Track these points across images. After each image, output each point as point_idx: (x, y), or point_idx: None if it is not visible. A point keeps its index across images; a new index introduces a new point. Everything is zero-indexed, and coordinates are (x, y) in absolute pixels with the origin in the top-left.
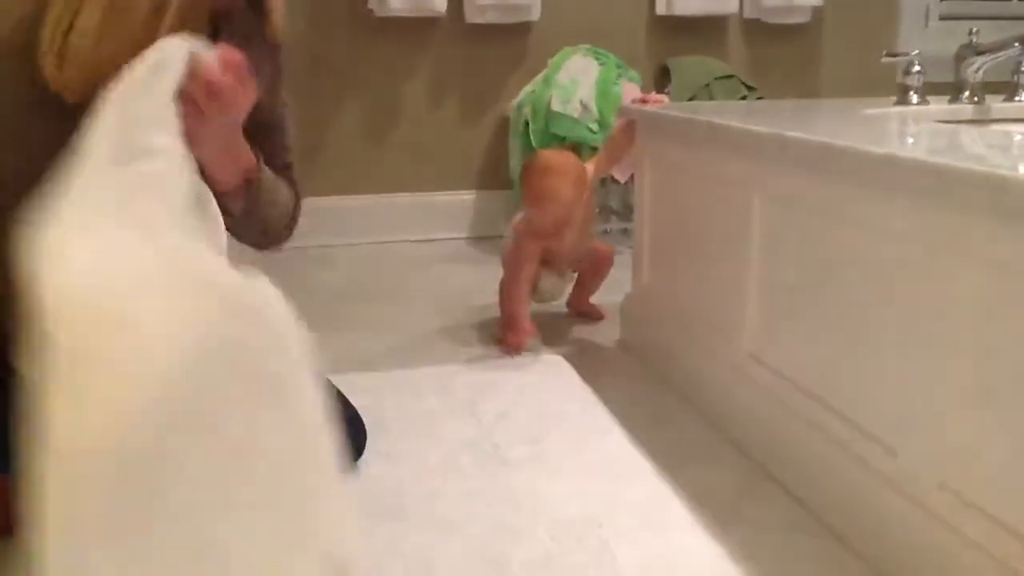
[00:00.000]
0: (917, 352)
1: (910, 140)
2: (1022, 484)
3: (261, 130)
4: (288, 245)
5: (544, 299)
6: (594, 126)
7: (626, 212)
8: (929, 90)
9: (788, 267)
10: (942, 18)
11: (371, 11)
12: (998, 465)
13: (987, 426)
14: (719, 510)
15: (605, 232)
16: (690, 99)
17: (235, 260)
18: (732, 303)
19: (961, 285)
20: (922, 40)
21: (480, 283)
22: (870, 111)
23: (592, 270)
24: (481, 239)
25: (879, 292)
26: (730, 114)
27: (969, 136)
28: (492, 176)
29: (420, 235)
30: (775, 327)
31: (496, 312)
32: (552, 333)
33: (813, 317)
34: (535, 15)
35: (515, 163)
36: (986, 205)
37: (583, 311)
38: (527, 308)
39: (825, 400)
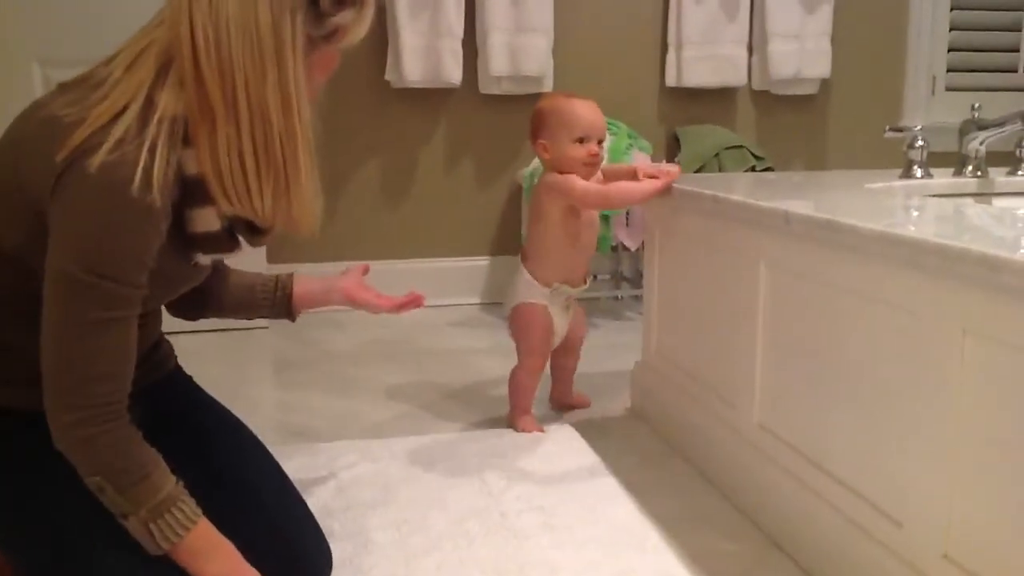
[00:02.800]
0: (921, 423)
1: (913, 214)
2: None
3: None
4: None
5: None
6: None
7: (637, 279)
8: (936, 160)
9: (794, 338)
10: (948, 89)
11: (388, 82)
12: (1001, 537)
13: (991, 499)
14: None
15: (617, 299)
16: (699, 169)
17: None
18: (740, 372)
19: (963, 359)
20: (929, 110)
21: (491, 348)
22: (874, 185)
23: (566, 346)
24: (494, 305)
25: (882, 364)
26: (738, 187)
27: (969, 212)
28: (505, 242)
29: (433, 300)
30: (782, 397)
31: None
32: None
33: (819, 388)
34: (547, 86)
35: (527, 230)
36: (983, 282)
37: (567, 403)
38: (533, 395)
39: (831, 471)
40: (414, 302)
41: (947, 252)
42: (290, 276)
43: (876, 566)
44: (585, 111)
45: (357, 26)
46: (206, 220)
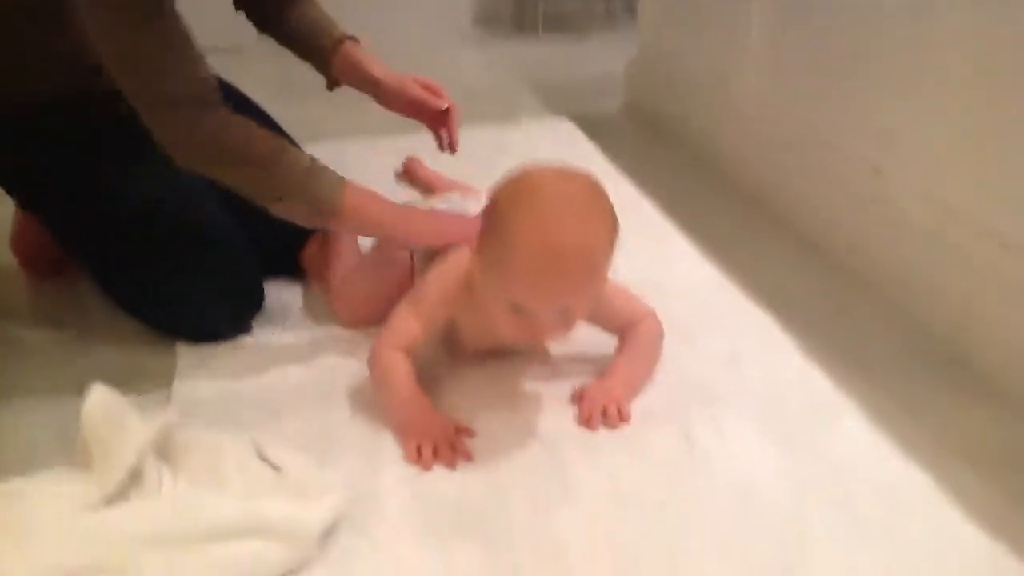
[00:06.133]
0: (906, 77)
1: None
2: (1003, 190)
3: None
4: None
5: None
6: None
7: None
8: None
9: (787, 7)
10: None
11: None
12: (978, 175)
13: (967, 138)
14: (719, 242)
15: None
16: None
17: None
18: (732, 52)
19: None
20: None
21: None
22: None
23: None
24: None
25: (871, 23)
26: None
27: None
28: None
29: None
30: (778, 71)
31: None
32: (554, 99)
33: (813, 59)
34: None
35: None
36: None
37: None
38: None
39: (818, 132)
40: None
41: None
42: (354, 44)
43: (862, 213)
44: (540, 276)
45: None
46: None
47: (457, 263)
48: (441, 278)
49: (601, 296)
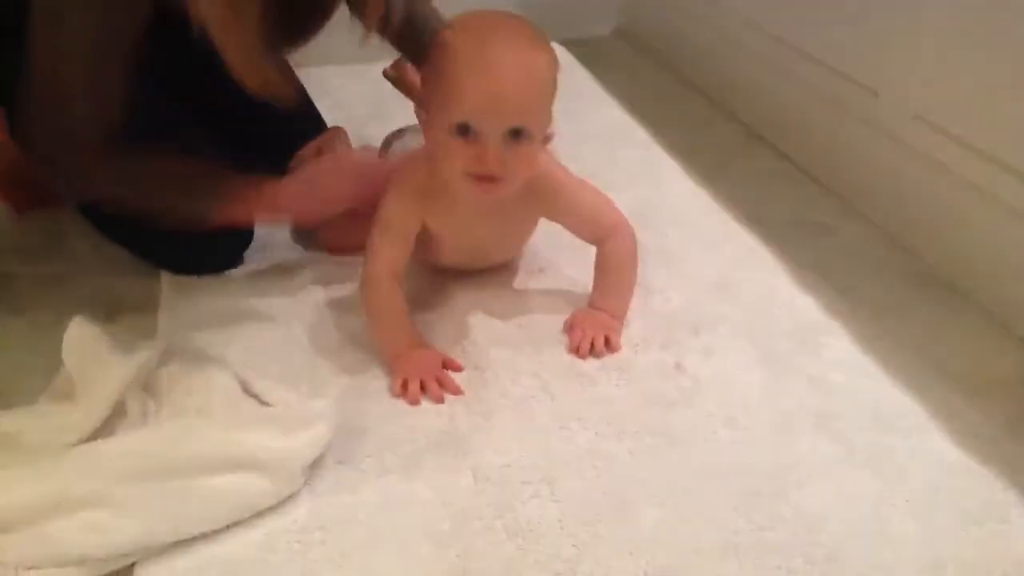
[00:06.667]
0: None
1: None
2: (993, 112)
3: None
4: None
5: None
6: None
7: None
8: None
9: None
10: None
11: None
12: (965, 95)
13: (959, 59)
14: (709, 165)
15: None
16: None
17: None
18: None
19: None
20: None
21: None
22: None
23: None
24: None
25: None
26: None
27: None
28: None
29: None
30: None
31: None
32: (546, 22)
33: None
34: None
35: None
36: None
37: None
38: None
39: (811, 54)
40: None
41: None
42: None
43: (853, 136)
44: (481, 79)
45: None
46: None
47: (407, 167)
48: (396, 186)
49: (567, 186)
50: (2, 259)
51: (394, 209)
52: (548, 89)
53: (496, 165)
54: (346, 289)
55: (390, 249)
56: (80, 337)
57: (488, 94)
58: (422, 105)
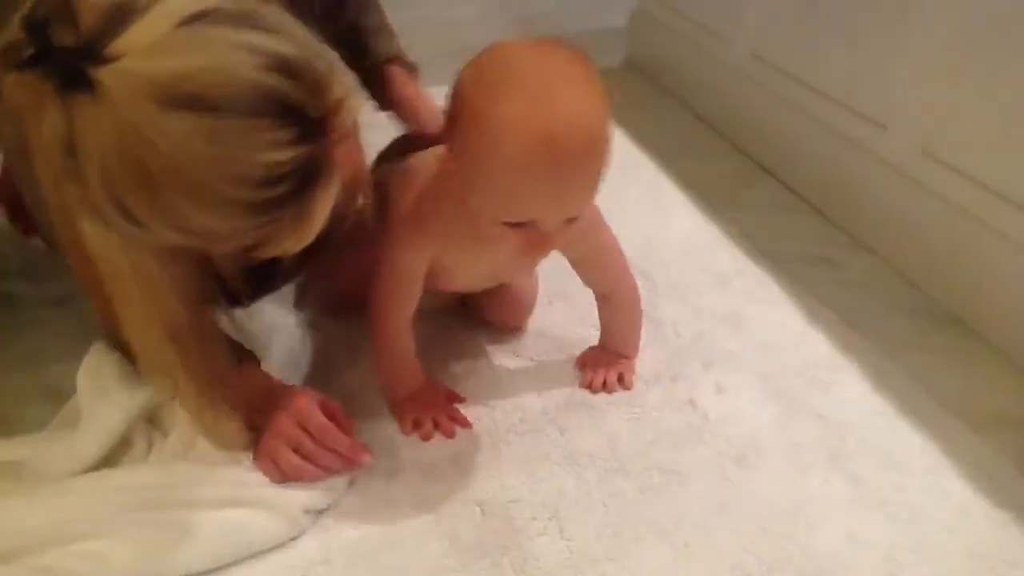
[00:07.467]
0: (905, 31)
1: None
2: (1002, 147)
3: None
4: None
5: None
6: None
7: None
8: None
9: None
10: None
11: None
12: (975, 131)
13: (967, 96)
14: (717, 198)
15: None
16: None
17: None
18: (734, 6)
19: None
20: None
21: None
22: None
23: None
24: None
25: None
26: None
27: None
28: None
29: None
30: (775, 23)
31: None
32: None
33: (810, 9)
34: None
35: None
36: None
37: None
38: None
39: (819, 88)
40: None
41: None
42: (392, 67)
43: (861, 170)
44: (546, 186)
45: None
46: None
47: (418, 213)
48: (411, 236)
49: (602, 231)
50: (8, 281)
51: (408, 258)
52: (607, 151)
53: (555, 247)
54: (354, 322)
55: (402, 300)
56: (97, 365)
57: (553, 197)
58: (449, 150)
